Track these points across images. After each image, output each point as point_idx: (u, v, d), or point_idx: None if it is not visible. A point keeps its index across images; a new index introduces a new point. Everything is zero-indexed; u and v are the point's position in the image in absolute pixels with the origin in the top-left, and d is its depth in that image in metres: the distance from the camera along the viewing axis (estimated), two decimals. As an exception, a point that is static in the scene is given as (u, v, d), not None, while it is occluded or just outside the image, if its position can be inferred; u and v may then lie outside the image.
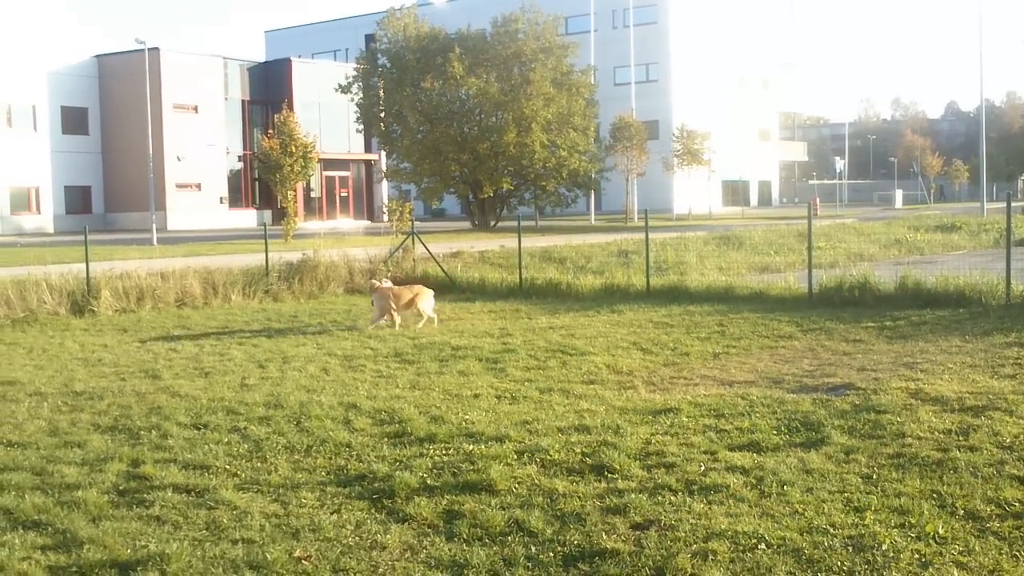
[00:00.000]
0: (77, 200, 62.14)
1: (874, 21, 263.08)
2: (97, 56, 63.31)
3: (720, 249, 32.36)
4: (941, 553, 6.44)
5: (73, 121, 61.71)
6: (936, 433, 9.19)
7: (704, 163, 67.89)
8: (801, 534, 6.79)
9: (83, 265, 21.59)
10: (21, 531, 7.27)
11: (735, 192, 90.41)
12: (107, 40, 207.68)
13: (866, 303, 19.01)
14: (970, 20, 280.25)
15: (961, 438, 8.99)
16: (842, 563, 6.33)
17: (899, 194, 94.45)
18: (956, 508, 7.21)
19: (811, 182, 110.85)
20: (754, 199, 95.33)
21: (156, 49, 57.80)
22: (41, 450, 9.50)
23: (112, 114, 62.15)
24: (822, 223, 43.79)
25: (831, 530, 6.86)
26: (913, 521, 6.97)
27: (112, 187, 62.89)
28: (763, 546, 6.61)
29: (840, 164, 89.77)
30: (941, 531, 6.77)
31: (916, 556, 6.40)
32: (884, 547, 6.53)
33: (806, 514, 7.18)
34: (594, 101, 55.73)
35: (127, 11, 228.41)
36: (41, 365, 14.56)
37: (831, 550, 6.52)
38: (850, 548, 6.55)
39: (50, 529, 7.31)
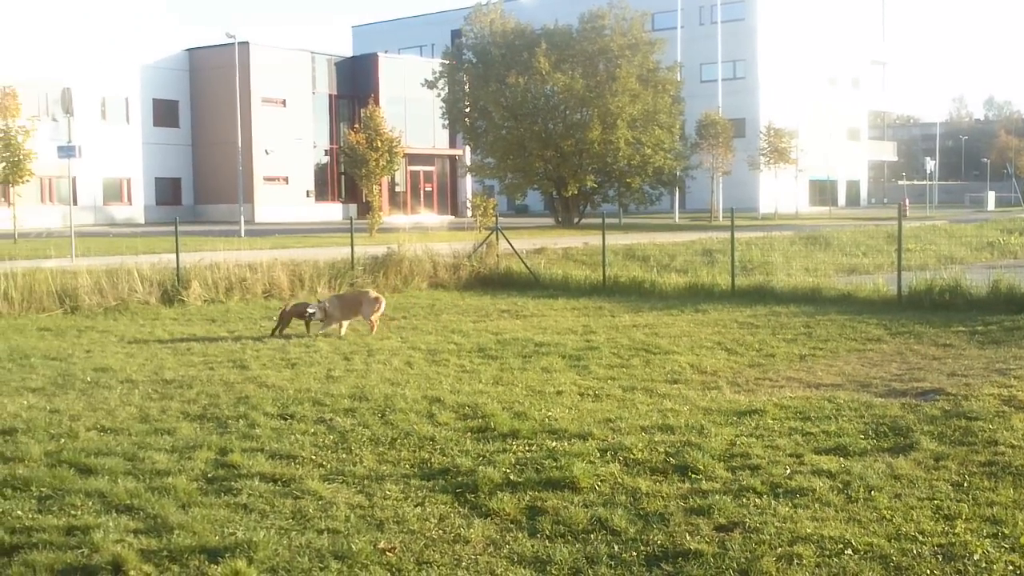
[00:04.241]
0: (167, 191, 63.31)
1: (968, 18, 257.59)
2: (188, 50, 64.36)
3: (807, 249, 31.97)
4: (1035, 565, 6.29)
5: (164, 114, 62.84)
6: (1030, 441, 8.98)
7: (791, 162, 67.12)
8: (889, 541, 6.69)
9: (173, 255, 22.03)
10: (115, 514, 7.45)
11: (823, 192, 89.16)
12: (198, 33, 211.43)
13: (957, 307, 18.63)
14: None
15: (1056, 447, 8.78)
16: (931, 572, 6.22)
17: (991, 196, 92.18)
18: (1051, 519, 7.05)
19: (900, 183, 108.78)
20: (842, 199, 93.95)
21: (246, 43, 58.72)
22: (132, 436, 9.71)
23: (202, 107, 63.23)
24: (911, 224, 42.89)
25: (920, 537, 6.74)
26: (1007, 531, 6.83)
27: (201, 179, 63.99)
28: (849, 552, 6.52)
29: (931, 165, 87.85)
30: (1035, 542, 6.61)
31: (1010, 568, 6.27)
32: (976, 557, 6.40)
33: (894, 520, 7.07)
34: (680, 98, 55.29)
35: (217, 4, 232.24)
36: (132, 353, 14.88)
37: (920, 558, 6.41)
38: (940, 557, 6.43)
39: (142, 514, 7.47)
